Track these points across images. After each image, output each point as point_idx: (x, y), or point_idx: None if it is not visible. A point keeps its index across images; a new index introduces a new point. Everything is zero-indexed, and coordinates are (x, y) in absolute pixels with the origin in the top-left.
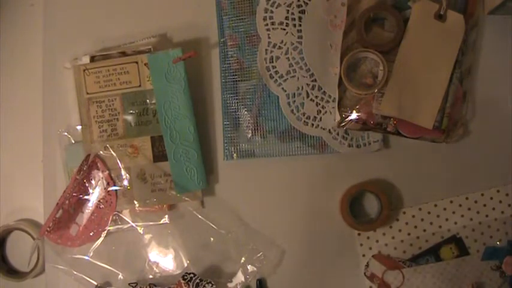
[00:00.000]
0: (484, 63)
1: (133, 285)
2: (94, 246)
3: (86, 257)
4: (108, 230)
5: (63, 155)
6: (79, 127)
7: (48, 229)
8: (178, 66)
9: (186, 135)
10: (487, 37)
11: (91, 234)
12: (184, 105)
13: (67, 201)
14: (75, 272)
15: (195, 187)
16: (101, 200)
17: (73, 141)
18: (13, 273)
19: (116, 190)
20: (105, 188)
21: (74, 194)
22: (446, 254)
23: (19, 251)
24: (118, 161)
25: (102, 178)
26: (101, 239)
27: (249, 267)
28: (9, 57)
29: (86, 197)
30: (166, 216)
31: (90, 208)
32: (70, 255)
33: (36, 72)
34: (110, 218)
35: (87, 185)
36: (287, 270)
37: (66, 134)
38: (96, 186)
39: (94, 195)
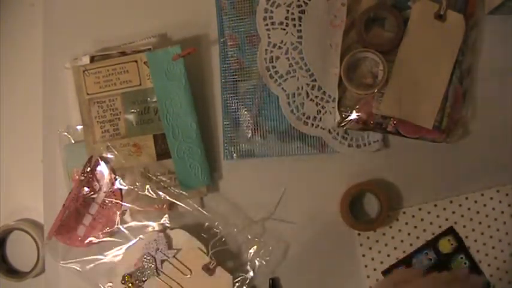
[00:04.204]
0: (484, 63)
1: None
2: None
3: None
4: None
5: (63, 155)
6: (79, 127)
7: (55, 232)
8: (178, 63)
9: (188, 132)
10: (487, 37)
11: (98, 234)
12: (186, 102)
13: (72, 203)
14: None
15: (199, 183)
16: (107, 200)
17: (73, 141)
18: (13, 273)
19: (120, 189)
20: (109, 188)
21: (79, 195)
22: (445, 247)
23: (19, 251)
24: (121, 160)
25: (106, 178)
26: (109, 238)
27: (257, 261)
28: (9, 57)
29: (91, 197)
30: (167, 215)
31: (96, 209)
32: (79, 257)
33: (36, 72)
34: (117, 218)
35: (91, 185)
36: (287, 269)
37: (66, 134)
38: (100, 187)
39: (99, 196)
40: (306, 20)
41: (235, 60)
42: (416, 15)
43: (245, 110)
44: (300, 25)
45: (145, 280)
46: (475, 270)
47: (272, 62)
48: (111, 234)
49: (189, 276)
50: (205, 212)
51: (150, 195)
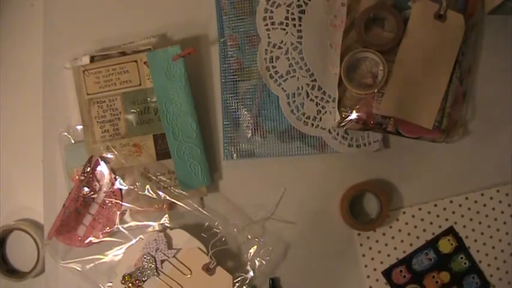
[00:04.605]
0: (484, 63)
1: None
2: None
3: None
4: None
5: (63, 155)
6: (79, 127)
7: (55, 232)
8: (178, 63)
9: (188, 132)
10: (487, 37)
11: (98, 234)
12: (186, 102)
13: (72, 203)
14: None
15: (199, 183)
16: (107, 200)
17: (73, 141)
18: (13, 273)
19: (120, 189)
20: (109, 188)
21: (79, 195)
22: (445, 247)
23: (19, 251)
24: (121, 160)
25: (106, 178)
26: (109, 238)
27: (257, 261)
28: (9, 57)
29: (91, 197)
30: (167, 215)
31: (96, 209)
32: (79, 257)
33: (36, 72)
34: (117, 218)
35: (91, 185)
36: (287, 269)
37: (66, 134)
38: (100, 187)
39: (99, 196)
40: (306, 20)
41: (235, 60)
42: (416, 15)
43: (245, 110)
44: (300, 25)
45: (145, 280)
46: (475, 270)
47: (272, 62)
48: (111, 234)
49: (189, 276)
50: (205, 212)
51: (150, 195)
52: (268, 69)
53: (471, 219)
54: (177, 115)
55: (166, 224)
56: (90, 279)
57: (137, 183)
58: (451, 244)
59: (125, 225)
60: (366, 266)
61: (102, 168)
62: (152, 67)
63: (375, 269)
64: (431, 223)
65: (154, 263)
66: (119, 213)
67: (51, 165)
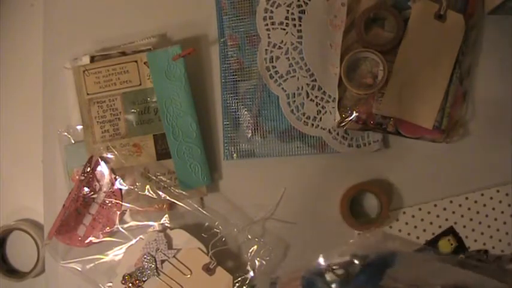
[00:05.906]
0: (484, 63)
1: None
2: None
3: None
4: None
5: (63, 155)
6: (79, 127)
7: (55, 232)
8: (178, 63)
9: (188, 132)
10: (487, 37)
11: (98, 234)
12: (186, 102)
13: (73, 203)
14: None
15: (199, 183)
16: (107, 200)
17: (73, 141)
18: (13, 273)
19: (120, 189)
20: (109, 188)
21: (79, 195)
22: (445, 247)
23: (19, 251)
24: (121, 160)
25: (106, 178)
26: (109, 238)
27: (257, 261)
28: (9, 57)
29: (91, 197)
30: (167, 215)
31: (96, 209)
32: (79, 257)
33: (36, 72)
34: (117, 218)
35: (91, 185)
36: (287, 269)
37: (66, 134)
38: (100, 187)
39: (99, 196)
40: (306, 20)
41: (235, 60)
42: (416, 15)
43: (245, 110)
44: (300, 25)
45: (146, 280)
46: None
47: (272, 62)
48: (111, 234)
49: (189, 276)
50: (205, 212)
51: (150, 195)
52: (268, 69)
53: (471, 219)
54: (177, 115)
55: (166, 224)
56: (90, 279)
57: (137, 183)
58: (451, 244)
59: (125, 225)
60: None
61: (102, 168)
62: (152, 67)
63: None
64: (431, 223)
65: (154, 263)
66: (119, 213)
67: (51, 165)
